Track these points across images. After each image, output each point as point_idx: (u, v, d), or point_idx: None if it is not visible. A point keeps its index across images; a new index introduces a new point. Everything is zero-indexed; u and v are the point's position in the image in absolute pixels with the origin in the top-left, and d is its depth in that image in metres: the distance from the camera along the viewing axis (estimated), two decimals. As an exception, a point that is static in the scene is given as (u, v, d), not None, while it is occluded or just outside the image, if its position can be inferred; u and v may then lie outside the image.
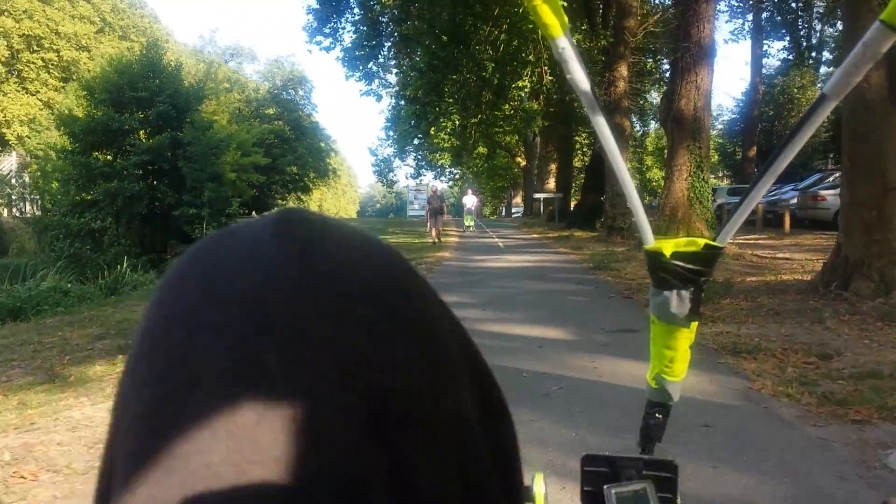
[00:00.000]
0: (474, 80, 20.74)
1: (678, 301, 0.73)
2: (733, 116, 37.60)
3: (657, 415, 0.85)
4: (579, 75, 0.64)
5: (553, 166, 33.69)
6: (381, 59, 20.58)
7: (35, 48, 54.36)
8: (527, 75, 17.70)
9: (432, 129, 23.22)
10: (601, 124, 0.69)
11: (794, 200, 20.98)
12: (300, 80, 49.95)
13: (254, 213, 55.11)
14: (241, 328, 0.28)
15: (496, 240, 21.67)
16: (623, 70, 20.00)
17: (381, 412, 0.27)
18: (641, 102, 29.34)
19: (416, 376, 0.29)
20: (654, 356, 0.81)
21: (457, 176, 57.75)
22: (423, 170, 46.58)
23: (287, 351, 0.27)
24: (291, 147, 51.20)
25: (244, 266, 0.30)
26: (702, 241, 0.71)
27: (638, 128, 34.86)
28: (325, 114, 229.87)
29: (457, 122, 21.09)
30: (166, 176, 27.89)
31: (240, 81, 49.58)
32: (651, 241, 0.73)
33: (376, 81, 20.50)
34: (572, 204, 29.59)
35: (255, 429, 0.25)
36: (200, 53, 49.58)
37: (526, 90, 18.29)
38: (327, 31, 20.29)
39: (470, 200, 24.10)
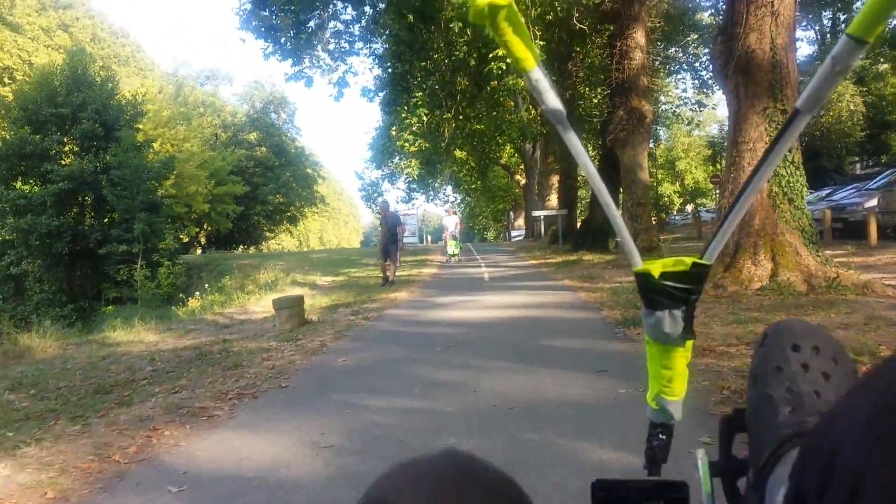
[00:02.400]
0: (446, 63, 15.28)
1: (671, 321, 0.73)
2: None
3: (660, 435, 0.85)
4: (554, 104, 0.63)
5: (555, 179, 28.11)
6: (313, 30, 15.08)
7: (6, 81, 49.37)
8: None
9: (393, 129, 17.95)
10: (577, 147, 0.67)
11: (873, 204, 15.21)
12: (281, 102, 44.88)
13: (233, 248, 49.86)
14: None
15: (483, 269, 16.03)
16: (639, 36, 14.51)
17: None
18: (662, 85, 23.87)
19: None
20: (652, 377, 0.82)
21: (455, 200, 52.30)
22: (416, 193, 41.20)
23: None
24: (275, 174, 46.02)
25: None
26: (689, 260, 0.72)
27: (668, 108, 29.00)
28: (314, 140, 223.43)
29: (424, 119, 15.55)
30: (94, 207, 22.68)
31: (215, 105, 44.51)
32: (639, 264, 0.73)
33: (307, 60, 15.19)
34: (579, 222, 24.00)
35: None
36: (173, 76, 44.57)
37: (509, 60, 12.72)
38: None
39: (452, 222, 18.63)
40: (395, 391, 4.42)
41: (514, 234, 43.97)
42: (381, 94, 18.72)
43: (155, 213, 21.96)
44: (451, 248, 17.67)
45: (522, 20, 0.58)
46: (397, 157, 30.22)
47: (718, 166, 40.16)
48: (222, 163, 40.05)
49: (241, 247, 52.24)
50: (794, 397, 0.78)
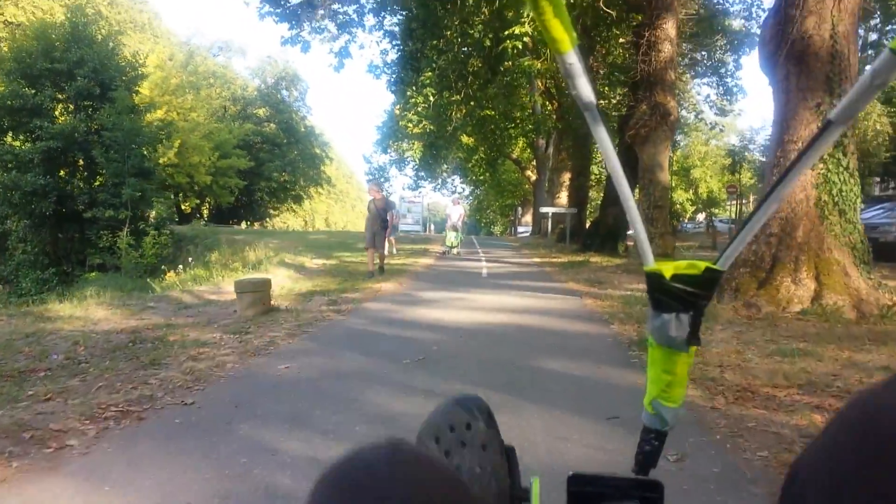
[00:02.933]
0: (458, 42, 14.02)
1: (677, 324, 0.71)
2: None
3: (653, 441, 0.83)
4: (585, 90, 0.62)
5: (566, 177, 26.76)
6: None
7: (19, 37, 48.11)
8: (526, 19, 10.98)
9: (397, 107, 16.67)
10: (603, 138, 0.66)
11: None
12: (293, 79, 43.52)
13: (235, 222, 48.74)
14: None
15: (482, 264, 14.82)
16: (670, 27, 13.21)
17: None
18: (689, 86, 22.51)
19: None
20: (651, 380, 0.79)
21: (461, 191, 51.00)
22: (424, 181, 39.91)
23: None
24: (282, 151, 44.78)
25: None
26: (702, 265, 0.70)
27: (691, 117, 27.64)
28: (326, 120, 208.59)
29: (431, 99, 14.25)
30: (85, 169, 21.49)
31: (226, 77, 43.25)
32: (651, 262, 0.72)
33: (307, 25, 13.87)
34: (587, 222, 22.75)
35: None
36: (186, 45, 43.34)
37: (526, 38, 11.52)
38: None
39: (456, 212, 17.15)
40: (328, 427, 3.21)
41: (520, 230, 42.61)
42: (390, 73, 17.49)
43: (146, 180, 20.76)
44: (451, 239, 16.40)
45: (563, 1, 0.57)
46: (404, 142, 28.95)
47: (737, 176, 38.72)
48: (228, 135, 38.86)
49: (246, 222, 51.24)
50: None
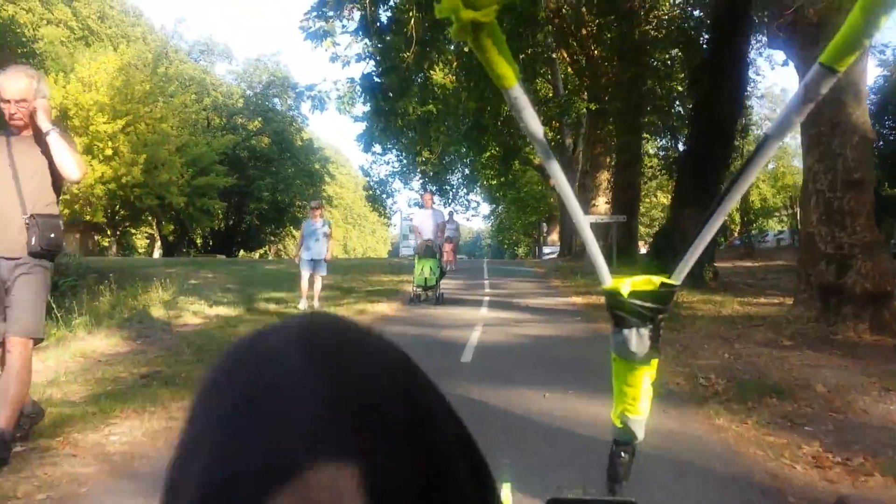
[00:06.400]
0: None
1: (637, 339, 0.72)
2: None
3: (623, 454, 0.84)
4: (533, 123, 0.62)
5: (603, 177, 19.62)
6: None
7: (-7, 55, 42.24)
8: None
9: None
10: (556, 170, 0.66)
11: None
12: (284, 83, 37.04)
13: (235, 251, 42.26)
14: (273, 435, 0.30)
15: (479, 314, 7.87)
16: None
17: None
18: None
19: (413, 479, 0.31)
20: (616, 394, 0.80)
21: (477, 205, 44.03)
22: (434, 195, 33.03)
23: (313, 457, 0.29)
24: (277, 168, 38.37)
25: (274, 380, 0.32)
26: (658, 280, 0.70)
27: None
28: (332, 134, 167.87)
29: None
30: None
31: (206, 82, 37.07)
32: (609, 282, 0.72)
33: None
34: (641, 230, 15.62)
35: None
36: (162, 49, 37.39)
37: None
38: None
39: (430, 221, 10.12)
40: None
41: (545, 250, 35.15)
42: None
43: None
44: (425, 271, 9.17)
45: (504, 37, 0.55)
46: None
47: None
48: (206, 148, 32.56)
49: (245, 251, 44.89)
50: None
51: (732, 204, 0.64)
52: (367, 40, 10.40)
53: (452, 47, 12.37)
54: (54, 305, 8.14)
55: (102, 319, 8.67)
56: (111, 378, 5.11)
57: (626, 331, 0.72)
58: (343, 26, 10.13)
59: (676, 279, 0.70)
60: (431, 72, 12.36)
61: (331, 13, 9.92)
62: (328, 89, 11.63)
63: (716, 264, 11.48)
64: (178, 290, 11.90)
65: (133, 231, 37.16)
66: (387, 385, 0.34)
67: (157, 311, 9.34)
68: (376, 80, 11.00)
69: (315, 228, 9.02)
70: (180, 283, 13.16)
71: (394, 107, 11.51)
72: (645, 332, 0.71)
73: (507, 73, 0.56)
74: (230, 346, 0.35)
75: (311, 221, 9.22)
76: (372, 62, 10.77)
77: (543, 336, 6.40)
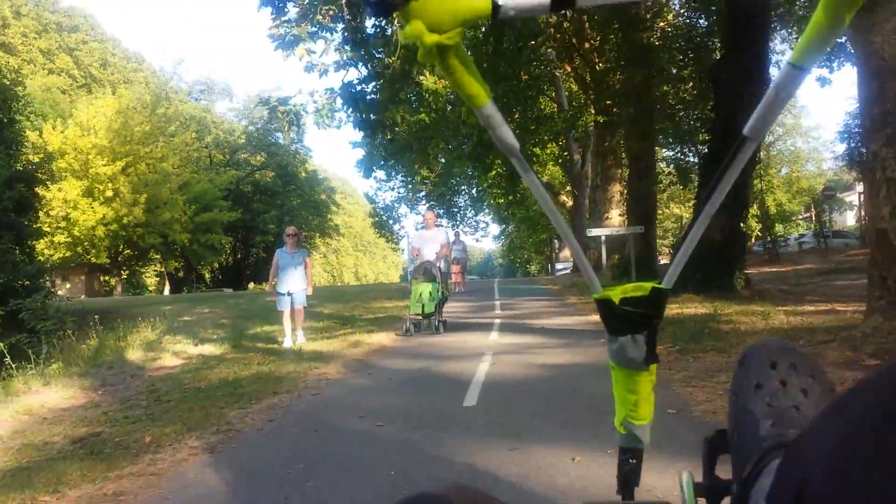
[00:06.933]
0: None
1: (634, 346, 0.71)
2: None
3: (630, 460, 0.82)
4: (507, 137, 0.61)
5: (615, 189, 18.63)
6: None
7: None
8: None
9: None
10: (534, 181, 0.65)
11: None
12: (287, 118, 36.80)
13: (244, 285, 41.51)
14: None
15: (488, 341, 6.83)
16: None
17: None
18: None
19: None
20: (618, 402, 0.79)
21: (486, 226, 43.00)
22: (441, 218, 32.19)
23: None
24: (282, 200, 37.74)
25: None
26: (648, 286, 0.70)
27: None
28: (338, 164, 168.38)
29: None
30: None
31: (207, 121, 36.69)
32: (599, 290, 0.71)
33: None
34: (659, 240, 14.60)
35: None
36: (161, 90, 37.14)
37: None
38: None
39: (433, 241, 9.04)
40: None
41: (559, 266, 34.02)
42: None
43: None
44: (425, 297, 8.15)
45: (471, 58, 0.54)
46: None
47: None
48: (208, 185, 32.02)
49: (253, 283, 44.18)
50: (774, 412, 0.73)
51: (715, 208, 0.63)
52: (346, 46, 9.64)
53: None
54: (7, 354, 7.25)
55: (73, 366, 7.82)
56: (39, 444, 4.17)
57: (621, 338, 0.71)
58: (316, 32, 9.31)
59: (667, 284, 0.69)
60: (422, 77, 11.45)
61: (303, 13, 9.22)
62: (304, 101, 10.72)
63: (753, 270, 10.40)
64: (167, 329, 11.06)
65: (140, 270, 36.58)
66: None
67: (136, 354, 8.45)
68: (358, 87, 10.20)
69: (290, 258, 8.02)
70: (171, 320, 12.31)
71: (381, 117, 10.62)
72: (640, 338, 0.70)
73: (477, 91, 0.56)
74: None
75: (284, 250, 8.14)
76: (354, 70, 10.07)
77: (564, 365, 5.37)
